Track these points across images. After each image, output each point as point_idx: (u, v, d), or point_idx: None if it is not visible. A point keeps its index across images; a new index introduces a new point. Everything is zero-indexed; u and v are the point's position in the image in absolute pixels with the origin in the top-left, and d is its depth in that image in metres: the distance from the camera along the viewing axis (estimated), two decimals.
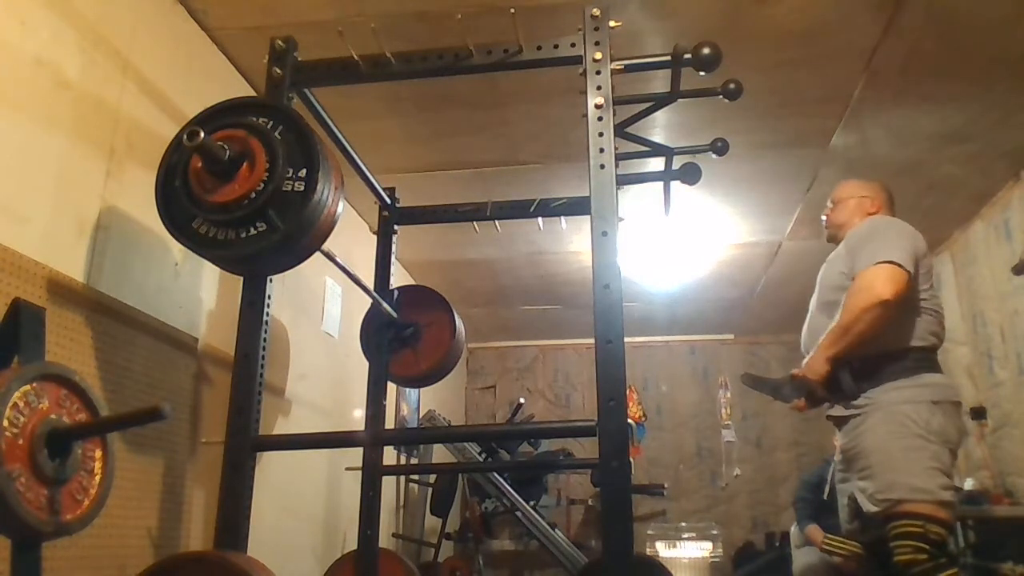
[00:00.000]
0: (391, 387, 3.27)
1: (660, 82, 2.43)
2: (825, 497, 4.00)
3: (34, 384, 1.43)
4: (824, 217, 2.69)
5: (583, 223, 2.01)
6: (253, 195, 1.79)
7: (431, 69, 2.14)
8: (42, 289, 1.87)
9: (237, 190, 1.80)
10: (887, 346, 2.22)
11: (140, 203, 2.17)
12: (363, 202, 3.44)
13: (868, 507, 2.12)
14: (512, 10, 1.95)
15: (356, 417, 3.85)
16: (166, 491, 2.34)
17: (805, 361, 2.41)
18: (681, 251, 4.87)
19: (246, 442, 1.87)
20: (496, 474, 4.96)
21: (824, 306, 2.43)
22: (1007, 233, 3.96)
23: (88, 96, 2.11)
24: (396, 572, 2.87)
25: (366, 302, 3.05)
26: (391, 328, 3.01)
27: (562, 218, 3.01)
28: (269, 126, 1.86)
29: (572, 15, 2.06)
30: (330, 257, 2.31)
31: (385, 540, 3.83)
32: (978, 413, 4.32)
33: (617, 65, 2.00)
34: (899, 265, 2.18)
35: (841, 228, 2.57)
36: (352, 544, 2.93)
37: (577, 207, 2.91)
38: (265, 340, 1.98)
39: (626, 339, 1.78)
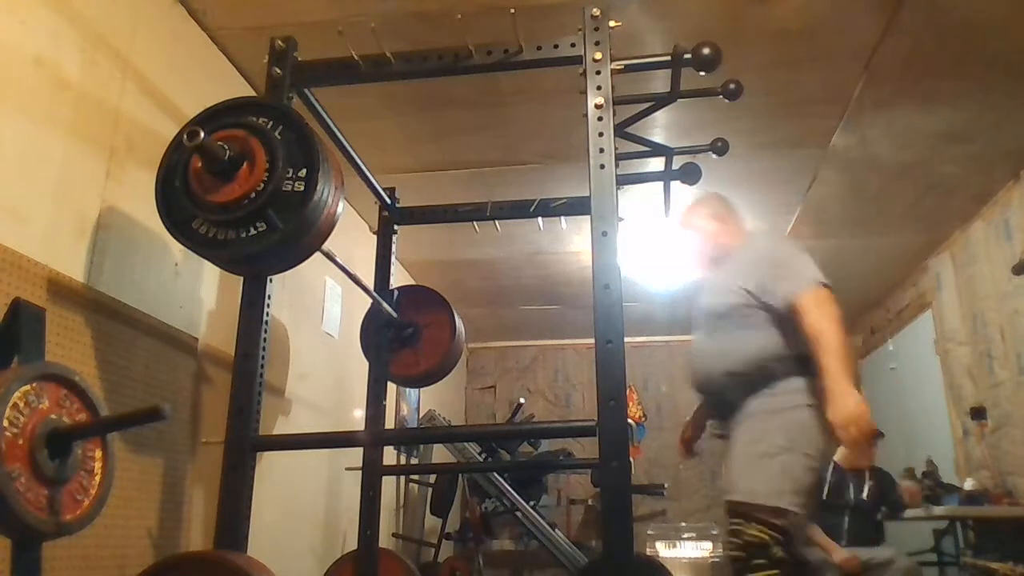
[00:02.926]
0: (391, 387, 3.26)
1: (660, 82, 2.43)
2: (824, 497, 4.00)
3: (34, 384, 1.43)
4: (691, 247, 2.57)
5: (583, 223, 2.01)
6: (253, 195, 1.79)
7: (431, 69, 2.15)
8: (42, 289, 1.87)
9: (237, 190, 1.80)
10: (767, 355, 2.20)
11: (140, 203, 2.17)
12: (363, 202, 3.44)
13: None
14: (512, 10, 1.95)
15: (356, 417, 3.85)
16: (166, 491, 2.34)
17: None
18: (681, 251, 4.86)
19: (246, 442, 1.87)
20: (496, 474, 4.96)
21: (717, 328, 2.32)
22: (1007, 233, 3.96)
23: (88, 96, 2.11)
24: (396, 572, 2.87)
25: (366, 302, 3.05)
26: (391, 328, 3.01)
27: (562, 218, 3.01)
28: (269, 126, 1.86)
29: (572, 15, 2.06)
30: (330, 257, 2.31)
31: (385, 540, 3.82)
32: (978, 413, 4.32)
33: (617, 65, 2.00)
34: (818, 274, 2.18)
35: (718, 252, 2.45)
36: (352, 544, 2.93)
37: (577, 207, 2.91)
38: (265, 340, 1.98)
39: (626, 339, 1.78)
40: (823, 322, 2.08)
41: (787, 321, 2.17)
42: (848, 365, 2.03)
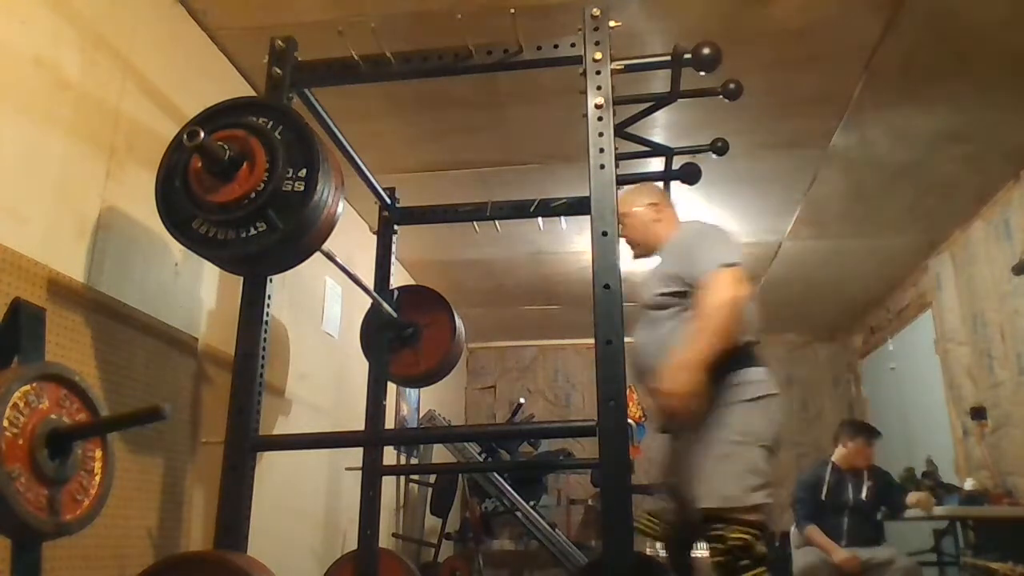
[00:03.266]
0: (391, 387, 3.27)
1: (660, 82, 2.43)
2: (823, 497, 4.00)
3: (34, 384, 1.43)
4: (626, 234, 2.51)
5: (583, 223, 2.01)
6: (253, 195, 1.79)
7: (431, 69, 2.15)
8: (42, 289, 1.87)
9: (237, 190, 1.80)
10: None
11: (140, 203, 2.17)
12: (363, 202, 3.44)
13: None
14: (512, 10, 1.95)
15: (356, 417, 3.85)
16: (166, 491, 2.34)
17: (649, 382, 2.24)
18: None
19: (246, 442, 1.88)
20: (496, 474, 4.96)
21: (655, 321, 2.30)
22: (1007, 233, 3.96)
23: (88, 96, 2.11)
24: (396, 572, 2.87)
25: (366, 302, 3.05)
26: (391, 328, 3.01)
27: (562, 218, 3.01)
28: (269, 126, 1.86)
29: (572, 15, 2.06)
30: (330, 257, 2.31)
31: (385, 540, 3.82)
32: (978, 413, 4.32)
33: (617, 65, 2.00)
34: (739, 266, 2.16)
35: (647, 245, 2.45)
36: (352, 544, 2.93)
37: (577, 207, 2.91)
38: (265, 340, 1.98)
39: (626, 339, 1.78)
40: (710, 301, 2.08)
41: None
42: (710, 347, 2.03)
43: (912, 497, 3.95)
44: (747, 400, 2.10)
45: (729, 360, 2.10)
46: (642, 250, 2.47)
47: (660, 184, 2.64)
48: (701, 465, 2.10)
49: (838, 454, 4.17)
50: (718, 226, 2.35)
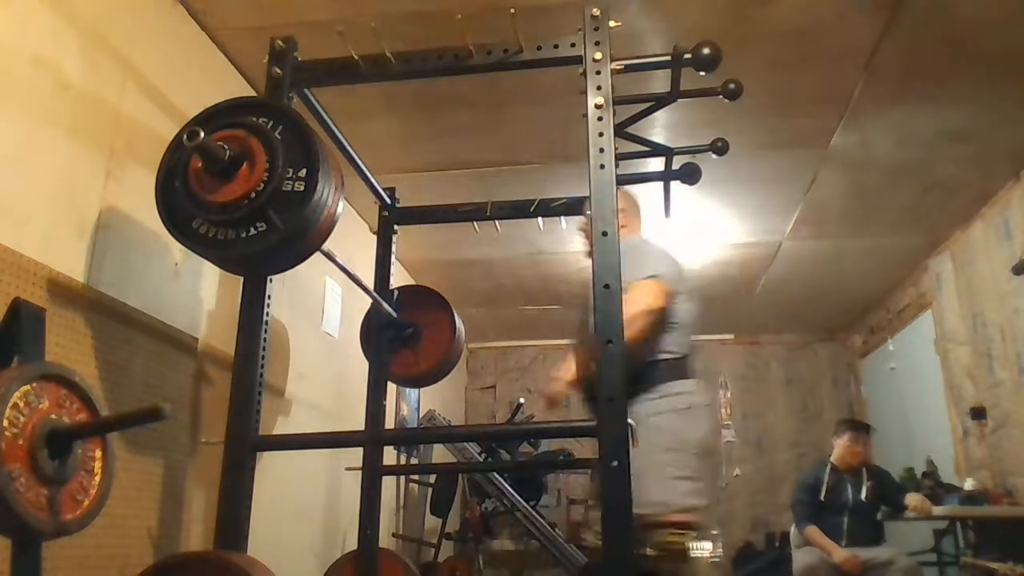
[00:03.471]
0: (391, 387, 3.26)
1: (660, 82, 2.43)
2: (822, 498, 4.01)
3: (34, 384, 1.43)
4: (582, 230, 2.57)
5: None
6: (253, 195, 1.79)
7: (431, 69, 2.15)
8: (42, 289, 1.87)
9: (237, 190, 1.80)
10: (641, 358, 2.26)
11: (140, 203, 2.17)
12: (363, 202, 3.44)
13: None
14: (512, 10, 1.95)
15: (356, 417, 3.85)
16: (166, 491, 2.34)
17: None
18: (681, 251, 4.86)
19: (246, 442, 1.87)
20: (496, 474, 4.96)
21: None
22: (1007, 233, 3.96)
23: (88, 96, 2.11)
24: (396, 572, 2.87)
25: (366, 302, 3.05)
26: (391, 328, 3.01)
27: (562, 218, 3.01)
28: (269, 126, 1.86)
29: (572, 15, 2.06)
30: (330, 257, 2.31)
31: (385, 540, 3.82)
32: (978, 413, 4.32)
33: (617, 65, 2.00)
34: (662, 280, 2.28)
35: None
36: (352, 544, 2.93)
37: (577, 207, 2.90)
38: (265, 340, 1.98)
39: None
40: (628, 308, 2.12)
41: (668, 323, 2.28)
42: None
43: (910, 500, 3.96)
44: (678, 410, 2.21)
45: (660, 372, 2.23)
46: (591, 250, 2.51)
47: (634, 192, 2.64)
48: (642, 473, 2.14)
49: (835, 454, 4.18)
50: (655, 244, 2.43)
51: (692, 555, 2.10)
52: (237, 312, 1.98)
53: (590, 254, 2.47)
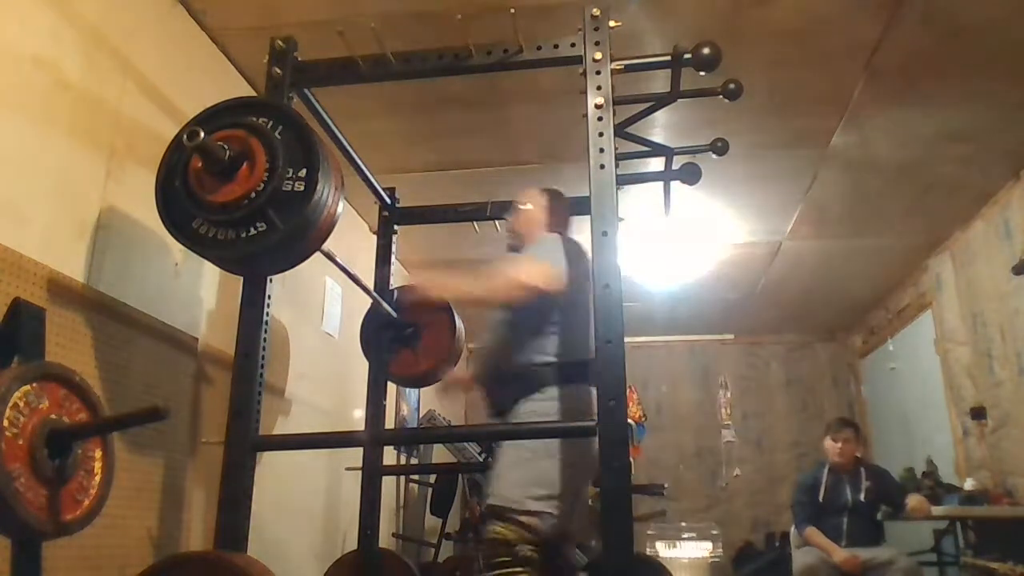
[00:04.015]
0: (391, 387, 3.26)
1: (660, 82, 2.43)
2: (821, 499, 4.00)
3: (34, 384, 1.44)
4: (509, 221, 2.59)
5: (583, 223, 2.01)
6: (253, 195, 1.79)
7: (431, 69, 2.15)
8: (42, 289, 1.87)
9: (237, 190, 1.80)
10: (518, 362, 2.26)
11: (140, 203, 2.16)
12: (363, 202, 3.44)
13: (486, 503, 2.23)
14: (512, 10, 1.95)
15: (356, 417, 3.85)
16: (166, 491, 2.34)
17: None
18: (681, 251, 4.87)
19: (246, 442, 1.87)
20: None
21: (496, 327, 2.44)
22: (1007, 233, 3.96)
23: (88, 96, 2.11)
24: (396, 572, 2.87)
25: (366, 302, 3.05)
26: (391, 328, 3.01)
27: None
28: (269, 126, 1.86)
29: (572, 15, 2.06)
30: (330, 257, 2.31)
31: (385, 540, 3.82)
32: (978, 413, 4.32)
33: (617, 65, 2.00)
34: (546, 264, 2.22)
35: (522, 239, 2.50)
36: (352, 544, 2.93)
37: (577, 207, 2.90)
38: (265, 340, 1.98)
39: (626, 339, 1.78)
40: (507, 269, 2.26)
41: (558, 326, 2.25)
42: (473, 296, 2.39)
43: (910, 502, 3.95)
44: (556, 414, 2.17)
45: (536, 378, 2.21)
46: (516, 243, 2.53)
47: (561, 190, 2.62)
48: (504, 465, 2.18)
49: (835, 455, 4.18)
50: (575, 245, 2.35)
51: (517, 552, 2.05)
52: (237, 312, 1.98)
53: (512, 247, 2.55)
